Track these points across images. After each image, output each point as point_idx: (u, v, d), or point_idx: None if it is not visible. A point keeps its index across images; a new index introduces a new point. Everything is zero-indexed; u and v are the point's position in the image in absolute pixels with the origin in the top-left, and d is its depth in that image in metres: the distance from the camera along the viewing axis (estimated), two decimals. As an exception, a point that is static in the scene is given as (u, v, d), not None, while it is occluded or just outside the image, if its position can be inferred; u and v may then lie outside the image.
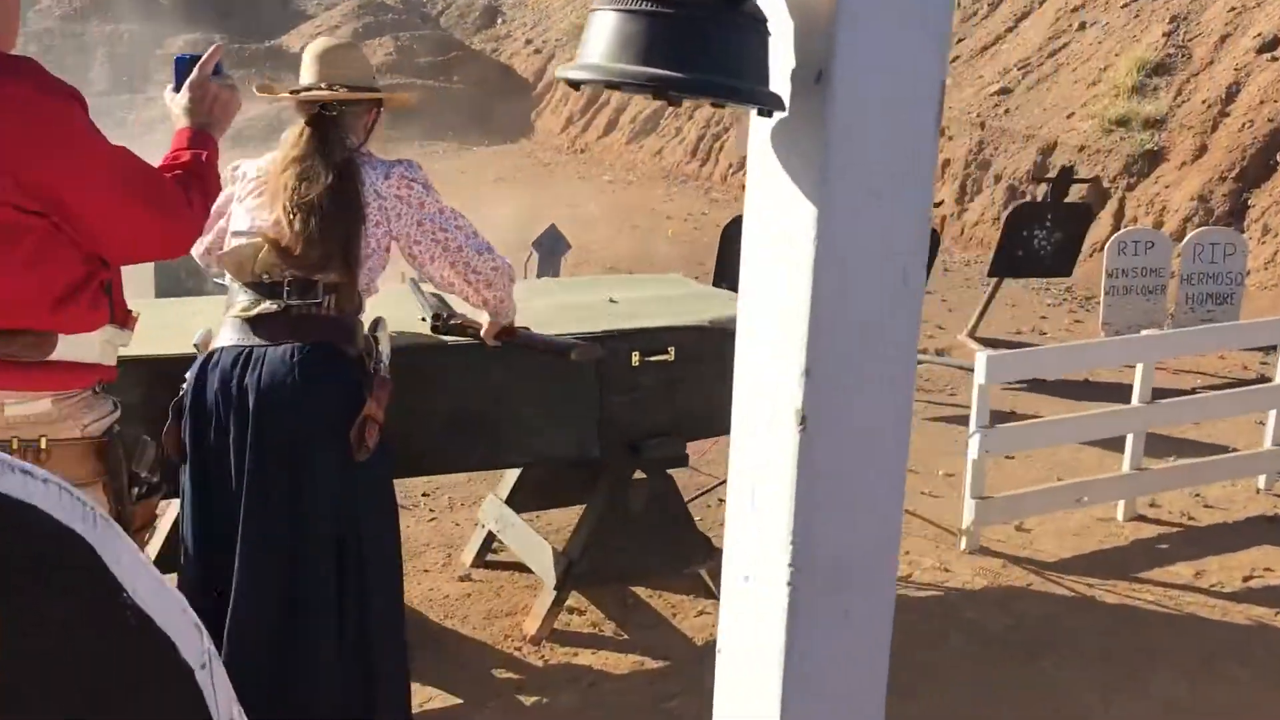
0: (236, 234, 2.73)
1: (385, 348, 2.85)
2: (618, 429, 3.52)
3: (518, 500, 4.20)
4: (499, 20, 23.70)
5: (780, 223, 1.23)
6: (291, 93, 2.79)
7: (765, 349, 1.27)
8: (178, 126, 2.20)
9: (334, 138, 2.73)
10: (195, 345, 2.77)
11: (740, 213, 5.18)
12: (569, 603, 3.86)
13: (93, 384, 2.03)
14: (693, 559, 3.85)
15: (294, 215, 2.61)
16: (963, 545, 4.37)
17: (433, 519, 4.60)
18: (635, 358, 3.48)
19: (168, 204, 1.97)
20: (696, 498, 4.64)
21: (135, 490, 2.06)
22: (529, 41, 21.97)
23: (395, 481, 2.94)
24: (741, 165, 14.31)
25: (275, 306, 2.65)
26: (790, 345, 1.22)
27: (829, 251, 1.18)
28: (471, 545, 4.25)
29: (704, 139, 15.24)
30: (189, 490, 2.65)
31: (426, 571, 4.14)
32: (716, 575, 3.85)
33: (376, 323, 2.90)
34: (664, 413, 3.58)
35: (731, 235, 6.11)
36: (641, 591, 4.00)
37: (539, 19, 22.71)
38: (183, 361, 2.78)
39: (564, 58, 20.25)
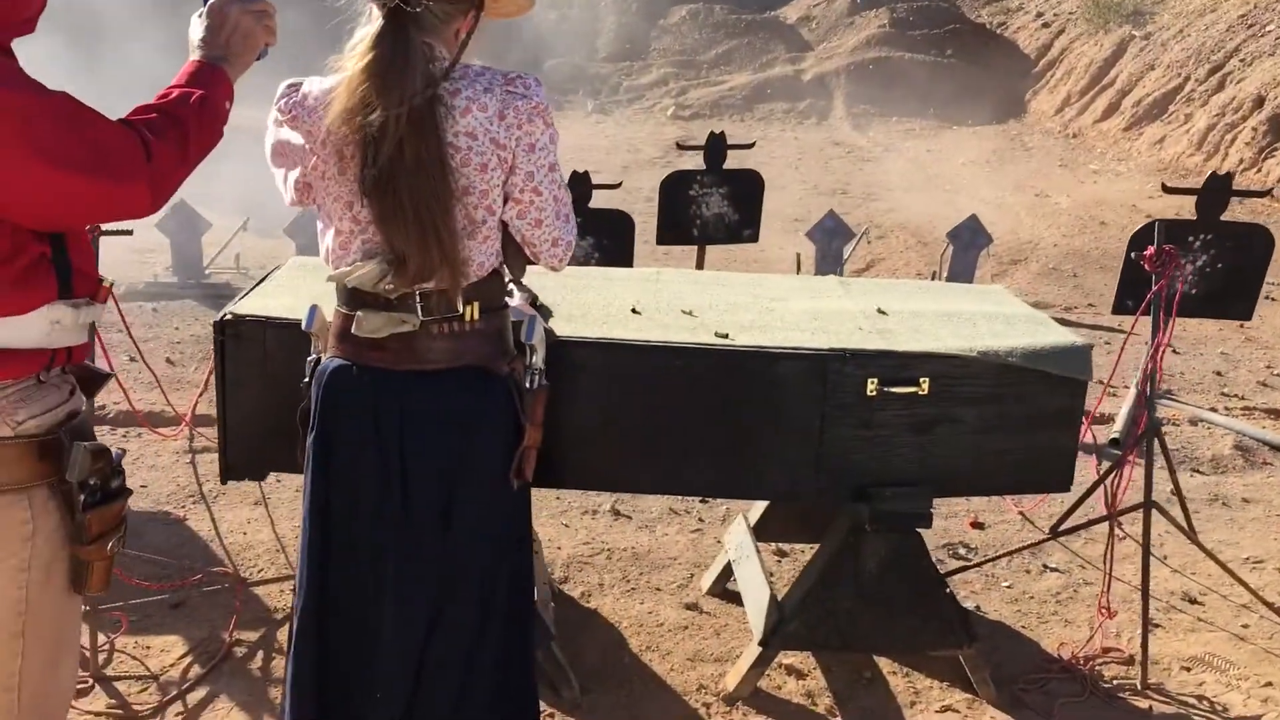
0: (339, 233, 2.14)
1: (542, 350, 2.36)
2: (843, 470, 2.87)
3: (768, 527, 3.64)
4: (1012, -8, 22.19)
5: None
6: None
7: None
8: (190, 57, 1.90)
9: (415, 48, 2.02)
10: (311, 332, 2.38)
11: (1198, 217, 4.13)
12: (792, 661, 3.28)
13: (32, 373, 1.79)
14: (942, 640, 3.10)
15: (379, 203, 2.05)
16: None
17: (696, 531, 4.15)
18: (871, 385, 2.80)
19: (109, 163, 1.66)
20: (964, 569, 3.82)
21: (82, 498, 1.81)
22: (1039, 15, 20.35)
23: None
24: (1255, 163, 12.23)
25: (410, 326, 2.15)
26: None
27: None
28: (712, 570, 3.75)
29: (1215, 129, 13.20)
30: (307, 511, 2.30)
31: (657, 590, 3.70)
32: (977, 665, 3.10)
33: (531, 324, 2.35)
34: (909, 458, 2.87)
35: (1139, 244, 5.00)
36: (885, 664, 3.30)
37: (1056, -10, 20.97)
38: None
39: (1075, 32, 18.54)
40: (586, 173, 5.71)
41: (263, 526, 3.97)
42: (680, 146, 6.71)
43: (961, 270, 7.77)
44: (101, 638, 3.23)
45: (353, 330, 2.18)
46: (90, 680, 3.07)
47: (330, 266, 2.20)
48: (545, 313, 2.95)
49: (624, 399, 2.82)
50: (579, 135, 15.24)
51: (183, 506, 4.17)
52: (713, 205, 6.46)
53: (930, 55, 18.65)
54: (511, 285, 2.98)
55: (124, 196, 1.71)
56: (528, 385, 2.27)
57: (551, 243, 2.24)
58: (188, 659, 3.20)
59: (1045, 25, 19.72)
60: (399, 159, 2.01)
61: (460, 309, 2.16)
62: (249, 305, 2.87)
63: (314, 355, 2.38)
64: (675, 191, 6.42)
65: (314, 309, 2.38)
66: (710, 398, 2.82)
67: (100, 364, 2.23)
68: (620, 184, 6.02)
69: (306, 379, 2.35)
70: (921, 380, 2.81)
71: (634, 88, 18.13)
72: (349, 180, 2.10)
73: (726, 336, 2.85)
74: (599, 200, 5.91)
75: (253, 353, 2.80)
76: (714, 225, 6.53)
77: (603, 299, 3.14)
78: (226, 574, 3.58)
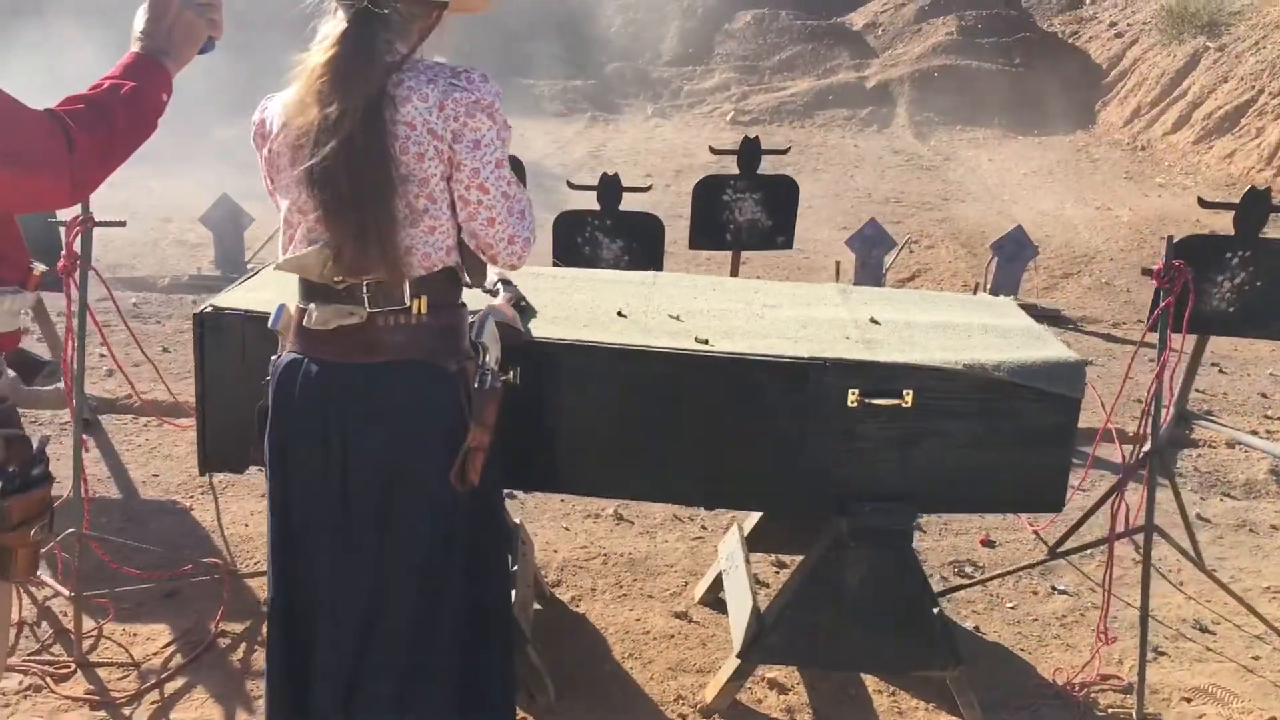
0: (288, 225, 2.20)
1: (495, 350, 2.32)
2: (824, 482, 2.81)
3: (764, 537, 3.58)
4: (1086, 1, 21.75)
5: None
6: None
7: None
8: (130, 49, 1.90)
9: (378, 48, 2.05)
10: (277, 330, 2.34)
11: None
12: (775, 675, 3.22)
13: None
14: (927, 661, 3.02)
15: (321, 192, 2.06)
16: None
17: (697, 539, 4.09)
18: (852, 396, 2.73)
19: (27, 152, 1.66)
20: (960, 588, 3.73)
21: (0, 484, 1.82)
22: (1113, 24, 19.92)
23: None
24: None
25: (357, 318, 2.14)
26: None
27: None
28: (705, 579, 3.70)
29: (1287, 143, 12.82)
30: (269, 506, 2.33)
31: (649, 597, 3.66)
32: (963, 688, 3.02)
33: (482, 322, 2.32)
34: (892, 473, 2.80)
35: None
36: (872, 682, 3.23)
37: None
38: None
39: (1148, 43, 18.13)
40: (616, 175, 5.70)
41: (266, 519, 3.99)
42: (714, 151, 6.65)
43: (1006, 282, 7.61)
44: (90, 623, 3.27)
45: (304, 323, 2.20)
46: (73, 665, 3.10)
47: (282, 264, 2.21)
48: (529, 313, 2.93)
49: (599, 403, 2.79)
50: (635, 139, 15.23)
51: (190, 496, 4.21)
52: (746, 211, 6.40)
53: (998, 64, 18.34)
54: (499, 284, 2.97)
55: (42, 187, 1.71)
56: (477, 385, 2.24)
57: (508, 240, 2.19)
58: (171, 648, 3.23)
59: (1118, 35, 19.31)
60: (348, 149, 2.02)
61: (407, 301, 2.15)
62: (230, 299, 2.88)
63: (278, 354, 2.38)
64: (708, 196, 6.37)
65: (281, 307, 2.36)
66: (688, 404, 2.78)
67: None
68: (650, 187, 5.99)
69: (268, 376, 2.36)
70: (905, 392, 2.74)
71: (695, 92, 18.06)
72: (290, 175, 2.12)
73: (706, 342, 2.80)
74: (630, 203, 5.88)
75: (231, 345, 2.81)
76: (747, 231, 6.46)
77: (591, 301, 3.11)
78: (217, 565, 3.60)
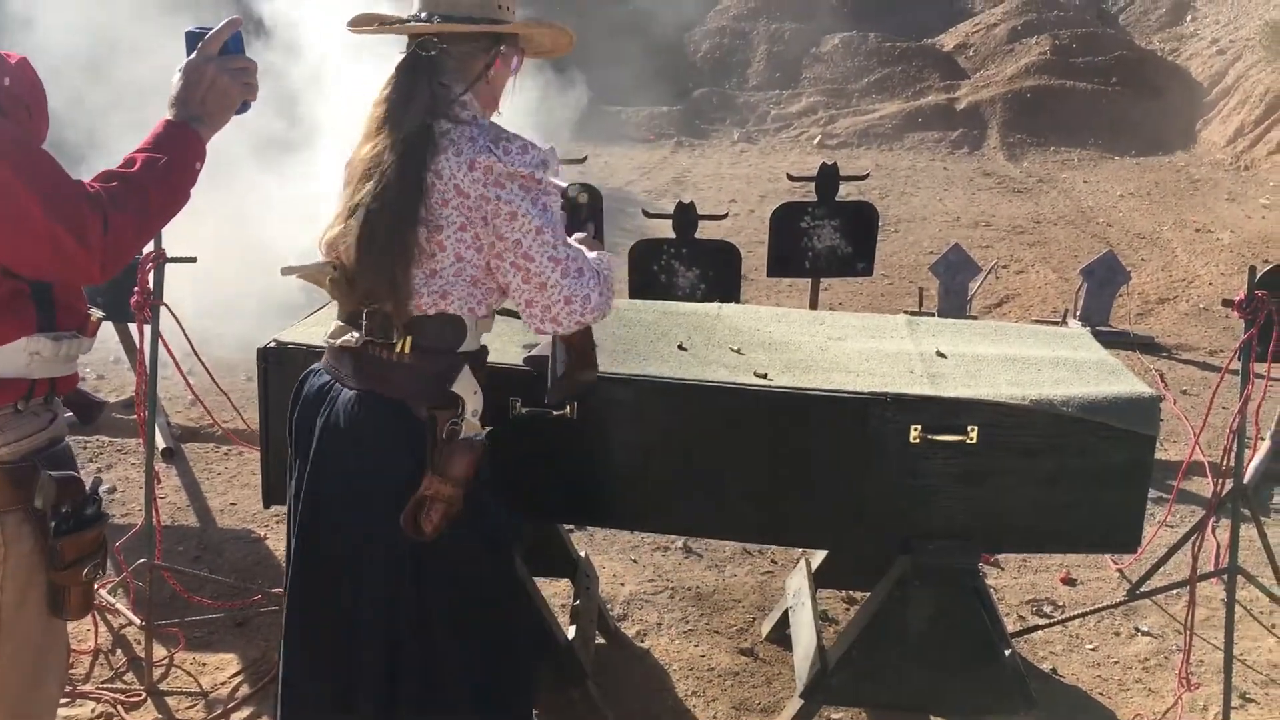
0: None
1: (473, 403, 2.24)
2: (886, 520, 2.74)
3: (833, 573, 3.51)
4: (1187, 18, 21.19)
5: None
6: (383, 25, 2.18)
7: None
8: (164, 115, 1.88)
9: (420, 89, 2.11)
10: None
11: None
12: (840, 717, 3.15)
13: (9, 402, 1.82)
14: (997, 704, 2.91)
15: (350, 221, 2.14)
16: None
17: (767, 573, 4.03)
18: (915, 432, 2.66)
19: (72, 220, 1.67)
20: (1034, 630, 3.59)
21: (54, 524, 1.84)
22: (1214, 41, 19.37)
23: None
24: None
25: (354, 342, 2.17)
26: None
27: None
28: (773, 615, 3.64)
29: (1401, 161, 12.30)
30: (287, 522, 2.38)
31: (716, 633, 3.61)
32: (1037, 735, 2.91)
33: (456, 372, 2.23)
34: (956, 511, 2.72)
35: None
36: (941, 726, 3.13)
37: (1234, 15, 19.92)
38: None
39: (1251, 60, 17.58)
40: (691, 203, 5.68)
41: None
42: (791, 178, 6.59)
43: (1096, 308, 7.42)
44: (161, 652, 3.32)
45: (327, 335, 2.29)
46: (143, 694, 3.16)
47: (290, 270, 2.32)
48: None
49: (656, 438, 2.76)
50: (720, 164, 15.21)
51: (265, 525, 4.28)
52: (824, 238, 6.32)
53: (1094, 83, 17.93)
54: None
55: (74, 259, 1.70)
56: (446, 436, 2.15)
57: (564, 301, 2.14)
58: (239, 678, 3.27)
59: (1220, 52, 18.76)
60: (386, 185, 2.09)
61: (395, 338, 2.15)
62: (293, 334, 2.92)
63: None
64: (786, 224, 6.30)
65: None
66: (746, 440, 2.73)
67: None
68: (726, 215, 5.96)
69: None
70: (969, 429, 2.66)
71: (782, 116, 17.97)
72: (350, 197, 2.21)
73: (765, 377, 2.75)
74: (711, 231, 5.86)
75: (293, 380, 2.83)
76: (826, 258, 6.38)
77: (652, 335, 3.08)
78: (283, 595, 3.63)
